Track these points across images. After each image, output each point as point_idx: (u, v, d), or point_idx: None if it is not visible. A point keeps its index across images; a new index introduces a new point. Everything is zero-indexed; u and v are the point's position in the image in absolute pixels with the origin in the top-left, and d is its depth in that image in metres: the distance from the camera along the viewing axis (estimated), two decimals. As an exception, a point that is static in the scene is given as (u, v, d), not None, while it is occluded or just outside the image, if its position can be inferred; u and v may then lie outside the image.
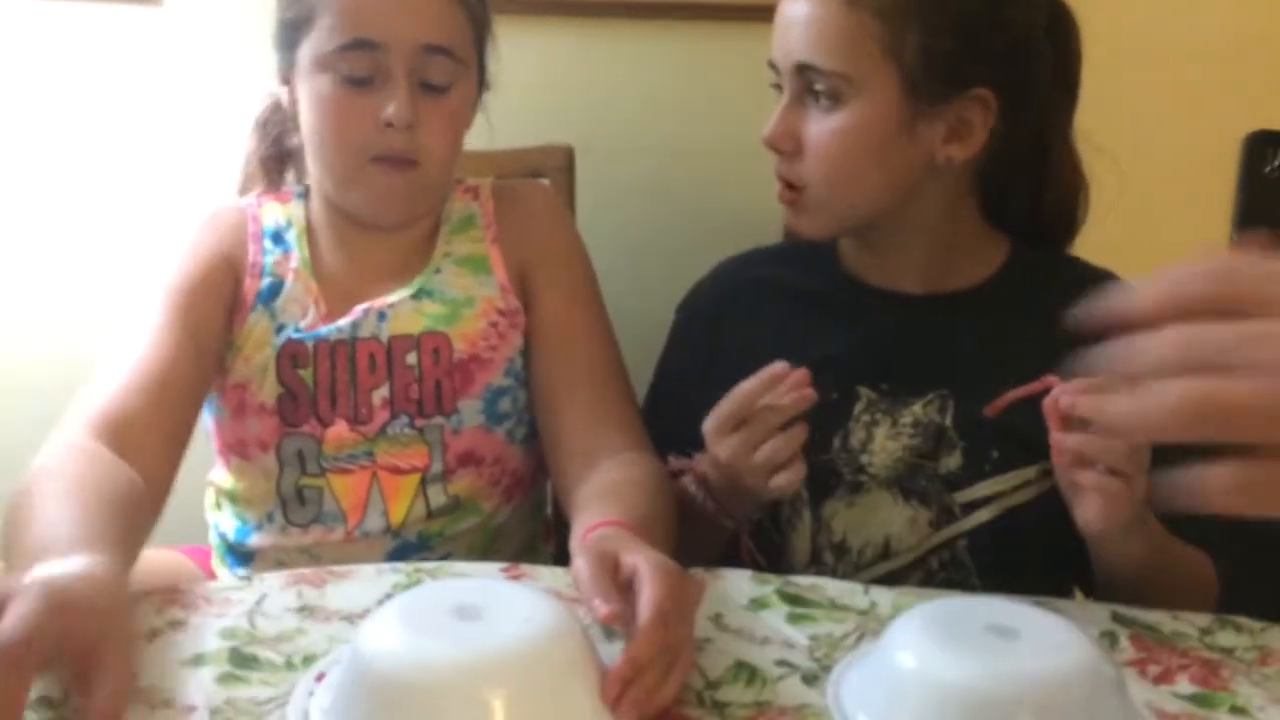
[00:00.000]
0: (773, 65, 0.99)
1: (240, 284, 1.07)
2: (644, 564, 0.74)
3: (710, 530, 1.00)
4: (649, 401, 1.12)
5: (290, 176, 1.16)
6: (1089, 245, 1.21)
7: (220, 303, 1.05)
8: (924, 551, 0.99)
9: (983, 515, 0.98)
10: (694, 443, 0.98)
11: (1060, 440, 0.83)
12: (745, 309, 1.08)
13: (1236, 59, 1.43)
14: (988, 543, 0.98)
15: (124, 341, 1.00)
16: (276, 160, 1.15)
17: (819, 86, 0.95)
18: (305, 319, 1.05)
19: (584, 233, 1.18)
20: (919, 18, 0.93)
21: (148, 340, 0.99)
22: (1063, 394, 0.83)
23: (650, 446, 1.03)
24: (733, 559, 1.01)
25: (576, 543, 0.84)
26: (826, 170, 0.97)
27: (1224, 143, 1.46)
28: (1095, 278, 1.06)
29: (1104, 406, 0.76)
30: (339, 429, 1.04)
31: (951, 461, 0.98)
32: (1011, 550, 0.98)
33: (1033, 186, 1.04)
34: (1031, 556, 0.98)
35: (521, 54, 1.41)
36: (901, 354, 1.01)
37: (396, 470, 1.05)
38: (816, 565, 1.01)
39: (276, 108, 1.12)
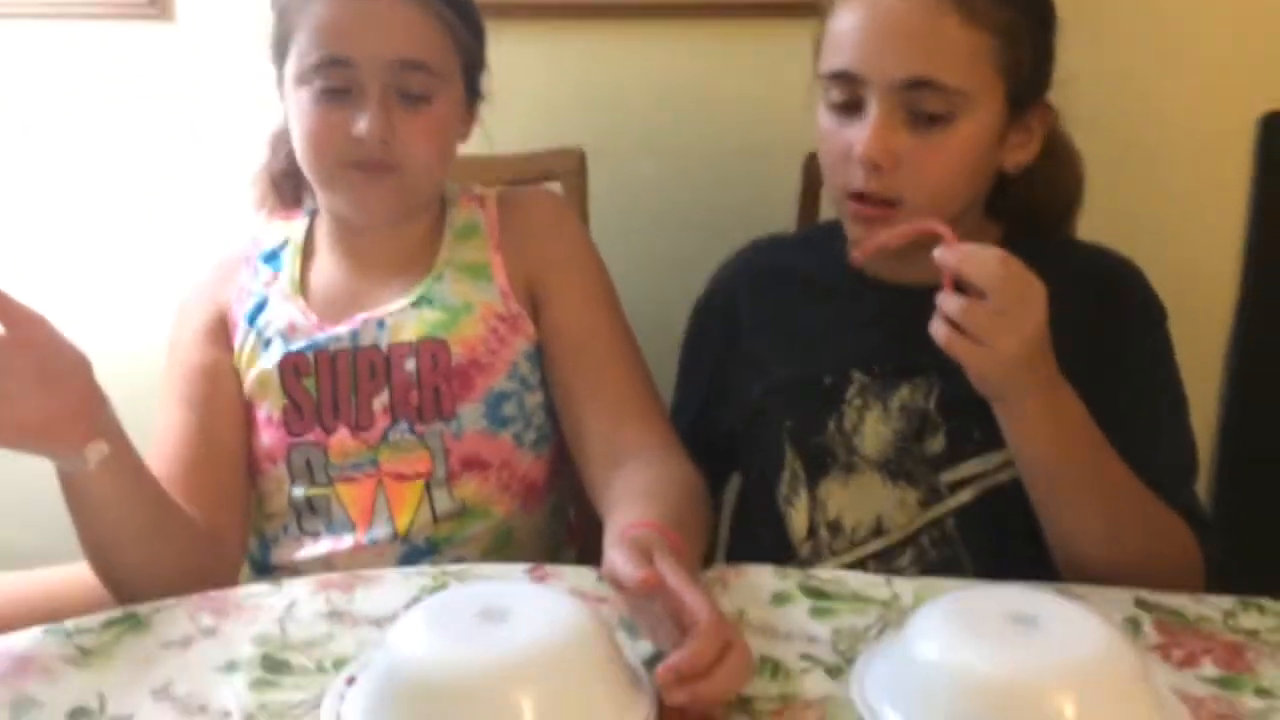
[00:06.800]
0: (841, 76, 0.95)
1: (231, 311, 1.11)
2: (673, 575, 0.74)
3: None
4: (679, 384, 1.16)
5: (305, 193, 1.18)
6: (1100, 229, 1.21)
7: (227, 350, 1.11)
8: (914, 530, 1.01)
9: (966, 495, 1.00)
10: (722, 423, 1.10)
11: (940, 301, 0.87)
12: (759, 291, 1.11)
13: (1250, 38, 1.41)
14: (975, 521, 1.00)
15: (160, 421, 1.08)
16: (287, 176, 1.17)
17: (932, 103, 0.93)
18: (295, 332, 1.08)
19: (597, 235, 1.19)
20: (1029, 35, 0.95)
21: (167, 425, 1.08)
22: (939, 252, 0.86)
23: (677, 443, 1.04)
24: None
25: (613, 539, 0.85)
26: (934, 187, 0.95)
27: (1239, 124, 1.45)
28: (1088, 256, 1.07)
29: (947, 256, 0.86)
30: (342, 436, 1.06)
31: (935, 444, 1.01)
32: (998, 527, 1.00)
33: (1034, 175, 1.03)
34: (1018, 533, 0.98)
35: (531, 57, 1.42)
36: (892, 340, 1.02)
37: (401, 477, 1.05)
38: (813, 540, 1.04)
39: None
